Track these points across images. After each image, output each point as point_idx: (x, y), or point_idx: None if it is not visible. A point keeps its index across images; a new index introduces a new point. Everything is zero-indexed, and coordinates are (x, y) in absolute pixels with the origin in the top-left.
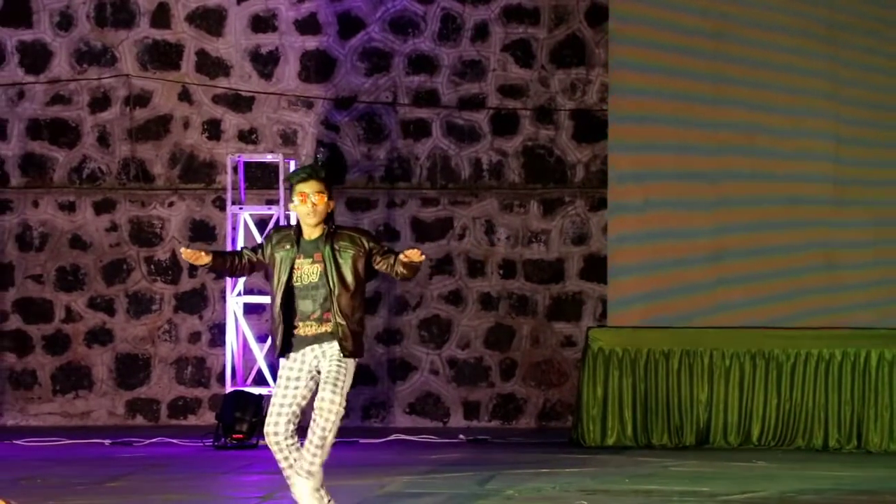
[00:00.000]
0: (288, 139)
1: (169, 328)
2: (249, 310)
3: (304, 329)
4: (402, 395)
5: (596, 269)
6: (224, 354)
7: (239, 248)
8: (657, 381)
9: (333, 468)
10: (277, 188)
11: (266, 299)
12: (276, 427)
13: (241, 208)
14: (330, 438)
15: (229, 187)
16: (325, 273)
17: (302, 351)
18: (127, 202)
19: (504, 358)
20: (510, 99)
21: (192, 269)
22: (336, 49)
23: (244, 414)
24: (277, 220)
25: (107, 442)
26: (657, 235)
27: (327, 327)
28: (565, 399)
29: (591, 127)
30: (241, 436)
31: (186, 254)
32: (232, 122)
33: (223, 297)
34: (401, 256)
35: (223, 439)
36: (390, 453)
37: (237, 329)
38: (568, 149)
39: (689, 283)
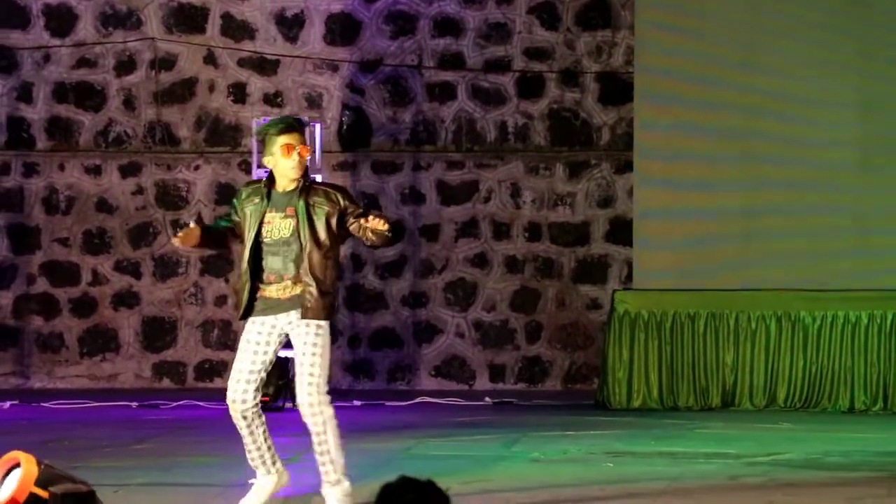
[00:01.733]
0: (313, 102)
1: (195, 291)
2: None
3: (275, 291)
4: (427, 358)
5: (622, 231)
6: None
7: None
8: (683, 344)
9: (359, 431)
10: None
11: None
12: (245, 395)
13: (266, 171)
14: (332, 440)
15: (255, 151)
16: (297, 228)
17: (274, 315)
18: (153, 165)
19: (530, 321)
20: (536, 62)
21: None
22: (361, 12)
23: (269, 376)
24: None
25: (133, 404)
26: (683, 198)
27: (298, 289)
28: (591, 361)
29: (616, 90)
30: (266, 398)
31: (177, 240)
32: (257, 85)
33: None
34: (362, 221)
35: None
36: (416, 416)
37: None
38: (594, 111)
39: (716, 245)
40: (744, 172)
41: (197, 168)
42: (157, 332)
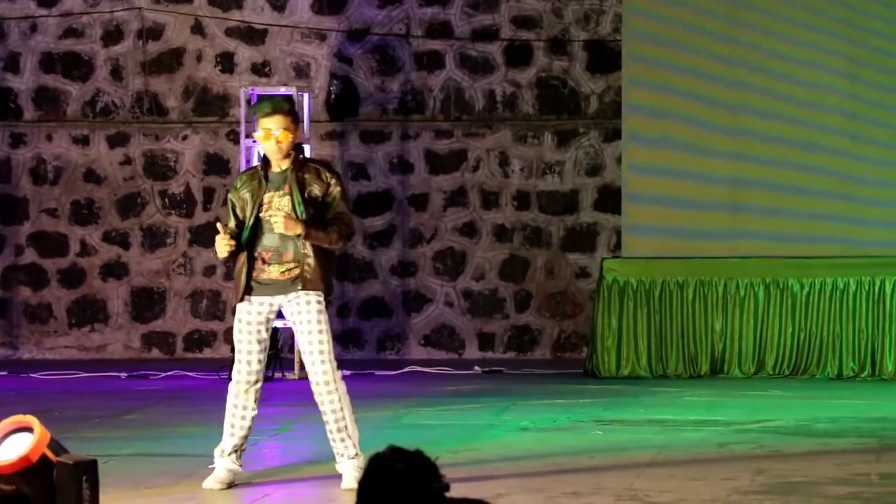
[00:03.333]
0: (301, 72)
1: (184, 262)
2: None
3: (276, 271)
4: (416, 327)
5: (610, 200)
6: None
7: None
8: (672, 312)
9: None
10: None
11: None
12: (257, 376)
13: (254, 141)
14: (348, 415)
15: (243, 120)
16: (293, 203)
17: (271, 296)
18: (140, 136)
19: (518, 289)
20: (524, 30)
21: (207, 202)
22: None
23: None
24: None
25: (123, 375)
26: (672, 166)
27: (299, 267)
28: (580, 330)
29: (604, 58)
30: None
31: (223, 250)
32: (245, 54)
33: None
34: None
35: None
36: (405, 385)
37: None
38: (581, 80)
39: (704, 213)
40: (732, 140)
41: (185, 138)
42: (146, 303)
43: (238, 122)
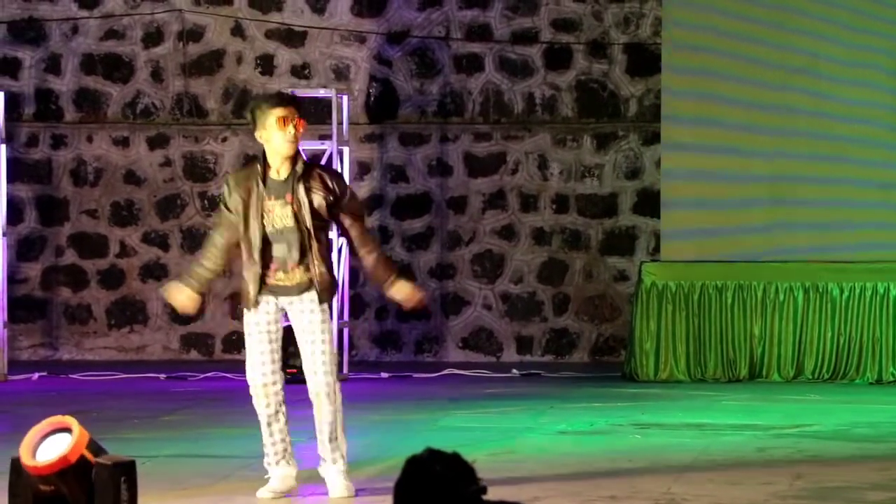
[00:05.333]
0: (340, 74)
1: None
2: None
3: (282, 278)
4: (455, 330)
5: (649, 203)
6: None
7: (212, 238)
8: (710, 315)
9: (388, 402)
10: (330, 123)
11: None
12: (274, 377)
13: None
14: (340, 427)
15: None
16: (297, 216)
17: (276, 297)
18: (180, 137)
19: (557, 292)
20: (563, 33)
21: None
22: None
23: (297, 348)
24: (330, 156)
25: (162, 376)
26: (711, 169)
27: (307, 276)
28: (618, 333)
29: (644, 61)
30: (294, 370)
31: (187, 308)
32: (284, 57)
33: None
34: (393, 285)
35: None
36: (443, 388)
37: None
38: (621, 83)
39: (743, 216)
40: (771, 143)
41: (224, 140)
42: None
43: None
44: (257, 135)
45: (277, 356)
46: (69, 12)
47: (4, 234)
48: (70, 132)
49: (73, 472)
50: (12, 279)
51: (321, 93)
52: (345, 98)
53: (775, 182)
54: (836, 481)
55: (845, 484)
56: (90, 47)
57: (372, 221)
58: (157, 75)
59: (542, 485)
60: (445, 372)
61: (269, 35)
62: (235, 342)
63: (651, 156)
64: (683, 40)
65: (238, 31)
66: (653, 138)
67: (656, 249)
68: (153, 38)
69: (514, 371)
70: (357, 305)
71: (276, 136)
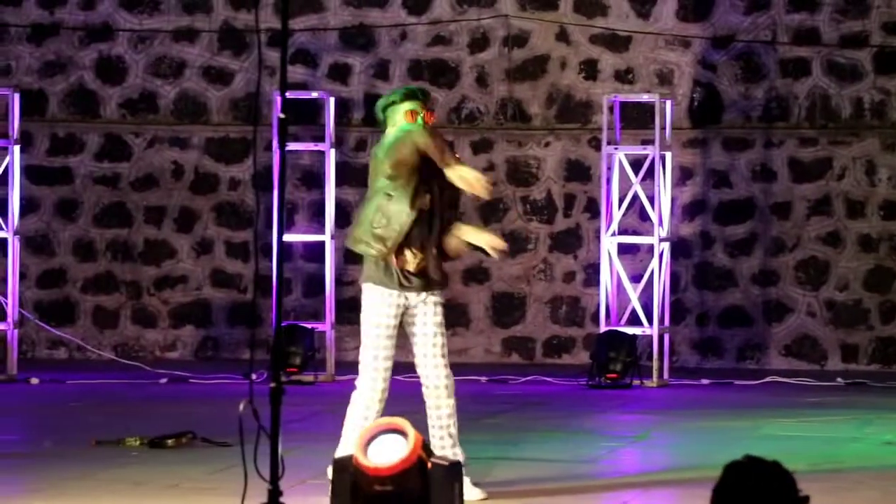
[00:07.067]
0: (664, 79)
1: (544, 267)
2: (623, 250)
3: (414, 265)
4: (777, 337)
5: None
6: (598, 294)
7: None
8: None
9: (708, 409)
10: (653, 128)
11: (640, 239)
12: (385, 383)
13: (616, 148)
14: (455, 419)
15: (605, 127)
16: (434, 199)
17: (406, 294)
18: (504, 142)
19: (884, 300)
20: (894, 36)
21: (567, 208)
22: None
23: (618, 353)
24: (652, 161)
25: (483, 379)
26: None
27: (437, 270)
28: None
29: None
30: (615, 375)
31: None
32: (608, 62)
33: (597, 237)
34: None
35: (597, 378)
36: (765, 395)
37: (611, 269)
38: None
39: None
40: None
41: (547, 145)
42: (507, 308)
43: (600, 130)
44: (389, 131)
45: (392, 364)
46: (398, 18)
47: (333, 237)
48: None
49: (412, 472)
50: (340, 281)
51: (644, 97)
52: (668, 103)
53: None
54: None
55: None
56: (417, 53)
57: (694, 227)
58: (481, 80)
59: (867, 494)
60: (768, 379)
61: (594, 40)
62: (556, 347)
63: None
64: None
65: (562, 36)
66: None
67: None
68: (479, 43)
69: (839, 380)
70: (678, 311)
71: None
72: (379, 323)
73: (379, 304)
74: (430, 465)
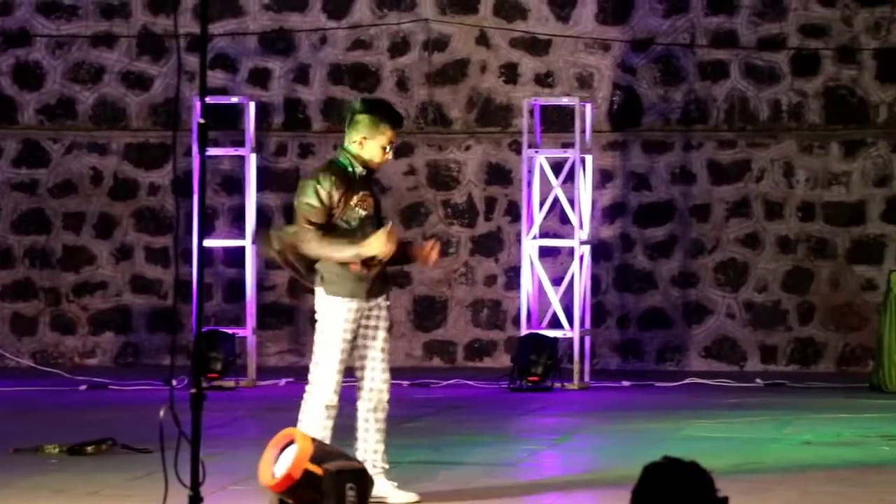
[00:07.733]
0: (584, 82)
1: (465, 271)
2: (544, 253)
3: (374, 270)
4: (697, 339)
5: None
6: (519, 297)
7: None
8: None
9: (629, 411)
10: (573, 131)
11: (561, 242)
12: (378, 393)
13: (536, 152)
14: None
15: (525, 131)
16: (375, 208)
17: (367, 301)
18: (425, 146)
19: (802, 301)
20: (811, 39)
21: (489, 212)
22: None
23: (539, 356)
24: (573, 164)
25: (405, 383)
26: None
27: (382, 269)
28: (866, 343)
29: (895, 67)
30: (536, 378)
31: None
32: (528, 65)
33: (518, 240)
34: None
35: (518, 381)
36: (686, 397)
37: (532, 272)
38: (871, 89)
39: None
40: None
41: (468, 148)
42: (428, 312)
43: (520, 133)
44: (355, 137)
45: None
46: (318, 23)
47: (254, 242)
48: (317, 141)
49: (300, 486)
50: (261, 286)
51: (564, 101)
52: (588, 106)
53: None
54: None
55: None
56: (337, 57)
57: (614, 229)
58: (402, 84)
59: (786, 496)
60: (688, 381)
61: (514, 43)
62: (477, 350)
63: None
64: None
65: (482, 39)
66: None
67: None
68: (399, 47)
69: (758, 381)
70: (598, 313)
71: (375, 153)
72: (345, 339)
73: (347, 320)
74: (321, 471)
